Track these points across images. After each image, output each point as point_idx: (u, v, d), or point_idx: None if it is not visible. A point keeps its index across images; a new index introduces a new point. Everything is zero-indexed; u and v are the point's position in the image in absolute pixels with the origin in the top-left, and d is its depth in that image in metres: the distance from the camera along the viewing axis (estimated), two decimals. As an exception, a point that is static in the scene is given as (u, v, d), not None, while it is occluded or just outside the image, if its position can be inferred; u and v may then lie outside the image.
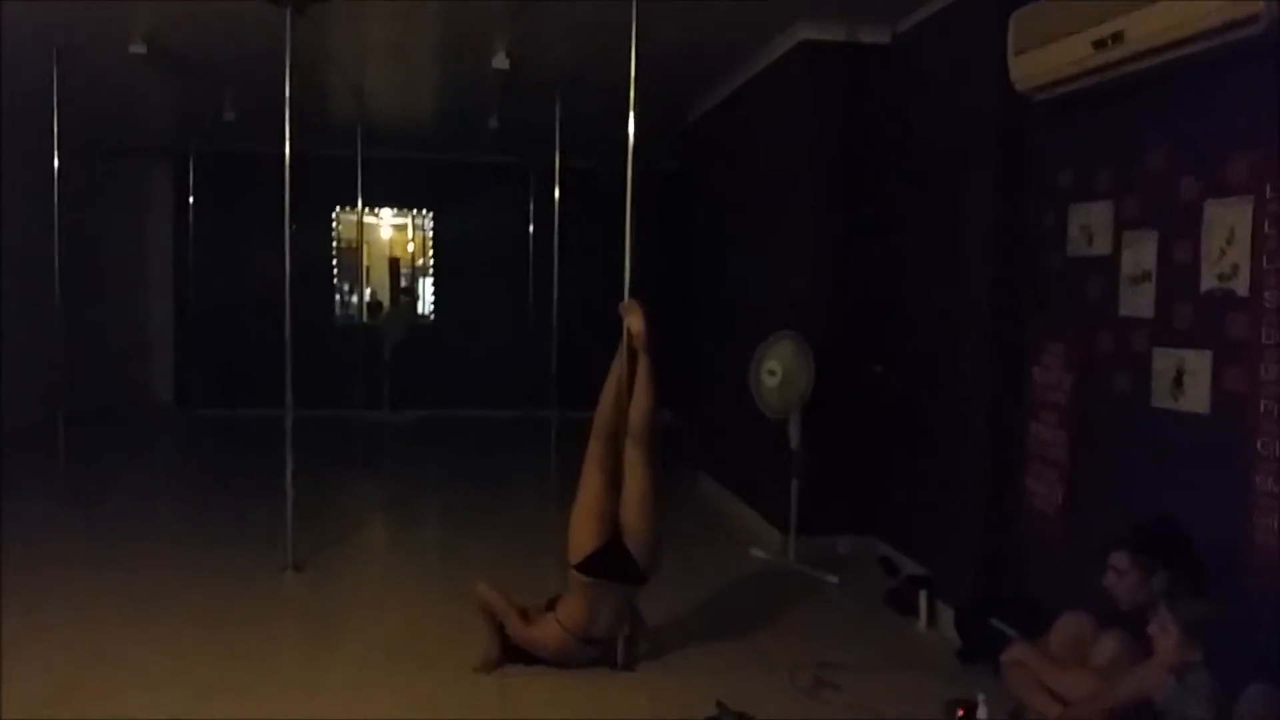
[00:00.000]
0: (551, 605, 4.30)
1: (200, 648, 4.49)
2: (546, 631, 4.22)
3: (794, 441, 5.81)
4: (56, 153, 6.91)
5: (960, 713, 3.18)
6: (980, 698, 3.31)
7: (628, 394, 4.32)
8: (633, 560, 4.17)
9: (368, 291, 11.88)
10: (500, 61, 6.76)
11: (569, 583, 4.23)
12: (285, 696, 4.04)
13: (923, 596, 4.94)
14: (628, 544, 4.16)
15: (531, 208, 11.20)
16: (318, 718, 3.85)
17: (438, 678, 4.23)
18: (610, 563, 4.16)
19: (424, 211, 12.17)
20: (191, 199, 11.50)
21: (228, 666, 4.30)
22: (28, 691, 3.96)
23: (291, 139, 5.67)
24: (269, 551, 5.77)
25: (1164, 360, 3.64)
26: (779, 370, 5.77)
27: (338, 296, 11.99)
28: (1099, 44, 3.65)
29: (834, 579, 5.61)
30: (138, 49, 6.57)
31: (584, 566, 4.15)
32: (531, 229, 11.29)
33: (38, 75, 6.86)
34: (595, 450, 4.35)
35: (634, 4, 4.63)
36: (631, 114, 4.80)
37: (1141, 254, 3.80)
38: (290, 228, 5.72)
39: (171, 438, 11.04)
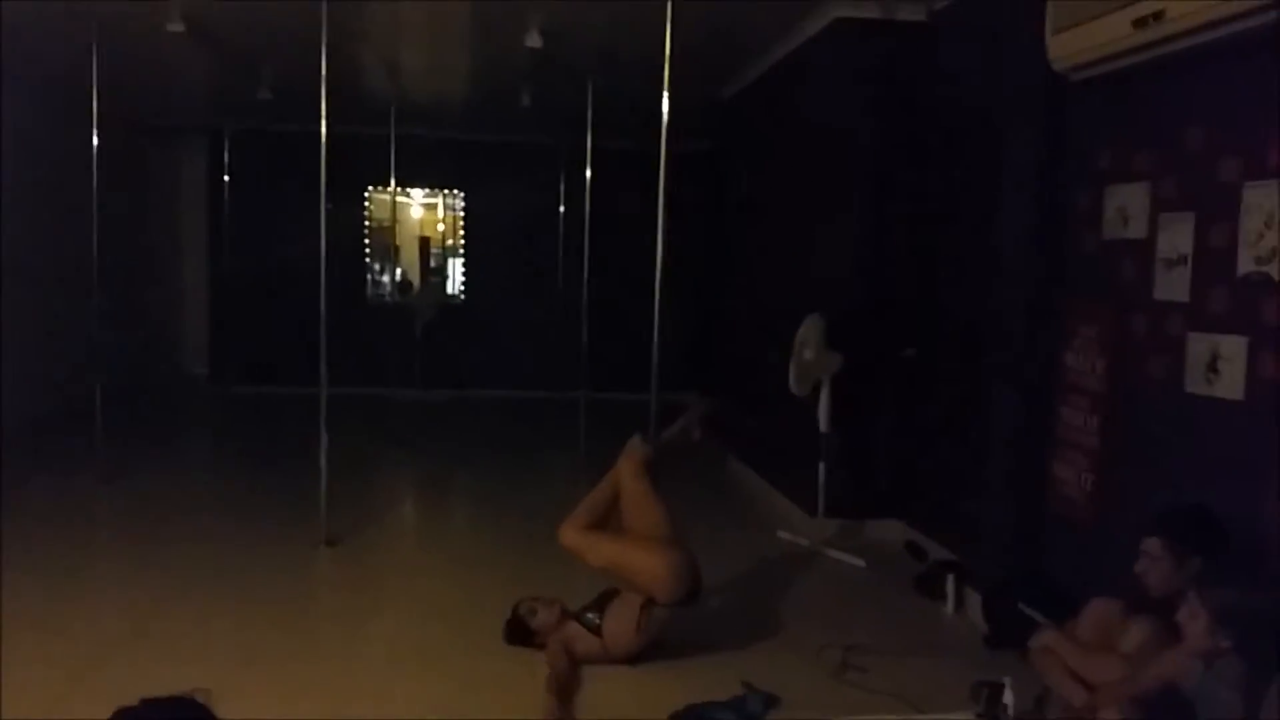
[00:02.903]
0: (584, 612, 4.23)
1: (235, 621, 4.57)
2: (588, 649, 4.14)
3: (823, 424, 5.81)
4: (95, 130, 6.97)
5: (986, 694, 3.17)
6: (1007, 682, 3.31)
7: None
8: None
9: (398, 271, 11.94)
10: (533, 39, 6.76)
11: (640, 617, 4.09)
12: (321, 668, 4.11)
13: (950, 581, 4.94)
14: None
15: (563, 188, 11.21)
16: (353, 689, 3.91)
17: (472, 652, 4.29)
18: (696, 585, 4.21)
19: (454, 191, 12.20)
20: (226, 176, 11.59)
21: (263, 639, 4.37)
22: (62, 662, 4.05)
23: (327, 118, 5.70)
24: (303, 528, 5.84)
25: (1199, 345, 3.60)
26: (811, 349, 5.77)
27: (369, 276, 12.06)
28: (1139, 22, 3.60)
29: (861, 563, 5.61)
30: (176, 27, 6.61)
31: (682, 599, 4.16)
32: (562, 209, 11.30)
33: (77, 52, 6.93)
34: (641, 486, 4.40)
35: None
36: (666, 94, 4.79)
37: (1178, 237, 3.76)
38: (326, 206, 5.76)
39: (206, 414, 11.18)
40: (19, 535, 5.79)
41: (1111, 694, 2.76)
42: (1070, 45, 4.08)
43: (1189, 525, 3.11)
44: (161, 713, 1.54)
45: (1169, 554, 3.03)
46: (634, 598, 4.14)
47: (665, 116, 4.83)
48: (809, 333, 5.82)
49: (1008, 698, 3.20)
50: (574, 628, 4.16)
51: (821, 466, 5.82)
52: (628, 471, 4.41)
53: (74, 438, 7.93)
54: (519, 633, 4.29)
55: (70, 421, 8.37)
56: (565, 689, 3.85)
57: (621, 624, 4.12)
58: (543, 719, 3.62)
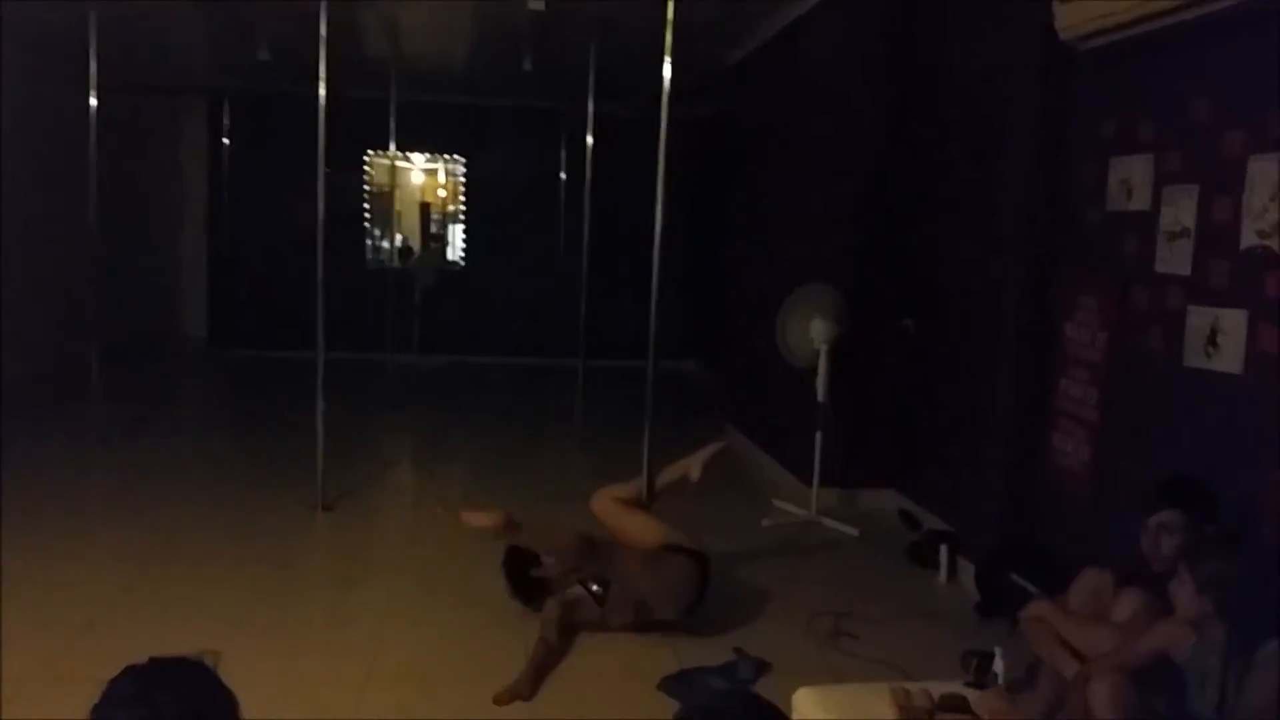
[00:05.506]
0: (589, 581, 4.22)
1: (231, 583, 4.58)
2: (588, 617, 4.14)
3: (820, 394, 5.80)
4: (94, 91, 6.92)
5: (976, 664, 3.18)
6: (997, 651, 3.32)
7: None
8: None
9: (398, 237, 11.89)
10: (536, 3, 6.68)
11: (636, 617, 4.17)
12: (317, 629, 4.14)
13: (943, 551, 4.95)
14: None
15: (564, 154, 11.14)
16: (349, 650, 3.93)
17: (466, 615, 4.31)
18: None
19: (455, 156, 12.14)
20: (225, 139, 11.52)
21: (259, 601, 4.39)
22: (58, 621, 4.07)
23: (326, 80, 5.65)
24: (300, 491, 5.85)
25: (1199, 319, 3.59)
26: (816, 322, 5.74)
27: (369, 241, 12.01)
28: (1147, -8, 3.57)
29: (854, 532, 5.62)
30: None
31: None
32: (563, 175, 11.23)
33: (75, 13, 6.86)
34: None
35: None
36: (668, 59, 4.75)
37: (1181, 209, 3.73)
38: (324, 170, 5.72)
39: (204, 376, 11.18)
40: (15, 495, 5.79)
41: (1103, 664, 2.76)
42: (1077, 15, 4.04)
43: (1204, 497, 3.09)
44: (169, 673, 1.55)
45: (1188, 526, 3.01)
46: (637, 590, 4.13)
47: (667, 83, 4.79)
48: (814, 301, 5.79)
49: (998, 666, 3.20)
50: (579, 591, 4.16)
51: (818, 436, 5.82)
52: (609, 509, 4.45)
53: (71, 399, 7.93)
54: (521, 578, 4.27)
55: (68, 383, 8.37)
56: (546, 661, 3.83)
57: (622, 606, 4.12)
58: (510, 683, 3.64)
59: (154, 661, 1.57)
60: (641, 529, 4.31)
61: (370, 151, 11.56)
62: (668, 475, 4.66)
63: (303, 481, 5.87)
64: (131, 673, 1.54)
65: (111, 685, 1.52)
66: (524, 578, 4.27)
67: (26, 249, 9.07)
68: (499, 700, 3.54)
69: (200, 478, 6.56)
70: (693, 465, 4.64)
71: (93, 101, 6.92)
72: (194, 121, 12.09)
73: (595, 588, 4.15)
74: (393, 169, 9.65)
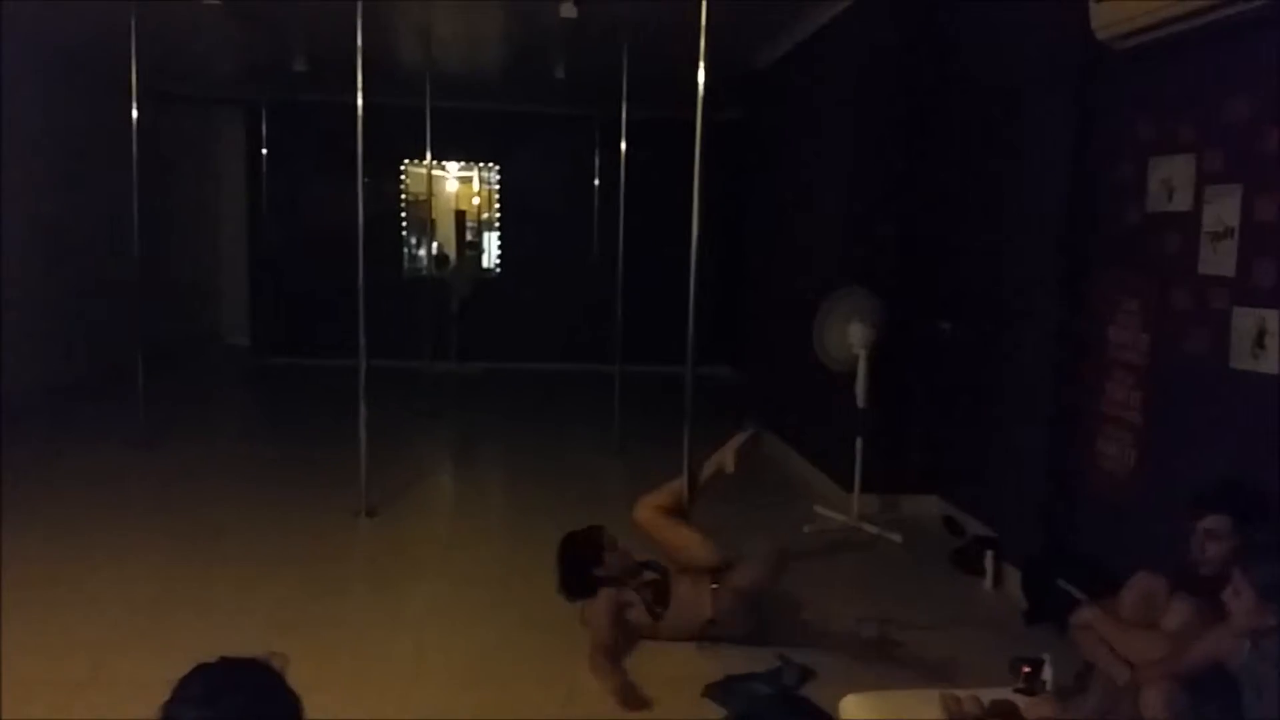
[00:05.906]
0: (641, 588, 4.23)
1: (278, 587, 4.65)
2: (639, 621, 4.15)
3: (860, 399, 5.77)
4: (135, 102, 7.03)
5: (1025, 671, 3.16)
6: (1046, 657, 3.30)
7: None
8: None
9: (434, 245, 11.98)
10: (568, 10, 6.72)
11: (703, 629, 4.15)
12: (362, 631, 4.18)
13: (989, 557, 4.91)
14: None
15: (597, 159, 11.17)
16: (394, 652, 3.97)
17: (510, 617, 4.35)
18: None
19: (489, 164, 12.19)
20: (264, 149, 11.65)
21: (306, 604, 4.45)
22: (104, 625, 4.14)
23: (362, 90, 5.70)
24: (343, 498, 5.90)
25: (1245, 320, 3.54)
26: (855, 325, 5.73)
27: (405, 249, 12.09)
28: (1188, -11, 3.53)
29: (898, 538, 5.59)
30: (213, 0, 6.64)
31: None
32: (597, 181, 11.26)
33: (116, 24, 6.97)
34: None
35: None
36: (703, 64, 4.76)
37: (1224, 209, 3.69)
38: (363, 179, 5.78)
39: (246, 383, 11.31)
40: (58, 498, 5.92)
41: (1155, 672, 2.74)
42: (1114, 13, 4.00)
43: (1252, 501, 3.05)
44: (236, 675, 1.58)
45: (1236, 531, 2.97)
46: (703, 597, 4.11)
47: (701, 88, 4.81)
48: (852, 306, 5.77)
49: (1047, 673, 3.18)
50: (632, 595, 4.14)
51: (859, 442, 5.79)
52: (651, 520, 4.46)
53: (116, 405, 8.05)
54: (578, 573, 4.23)
55: (112, 389, 8.50)
56: (614, 668, 3.81)
57: (684, 613, 4.11)
58: (607, 687, 3.63)
59: (223, 661, 1.60)
60: (688, 543, 4.31)
61: (406, 160, 11.65)
62: (705, 471, 4.69)
63: (346, 488, 5.92)
64: (200, 672, 1.58)
65: (181, 684, 1.56)
66: (581, 574, 4.24)
67: (70, 257, 9.23)
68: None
69: (244, 484, 6.63)
70: (726, 457, 4.66)
71: (134, 113, 7.04)
72: (232, 131, 12.24)
73: (652, 600, 4.15)
74: (428, 177, 9.70)
